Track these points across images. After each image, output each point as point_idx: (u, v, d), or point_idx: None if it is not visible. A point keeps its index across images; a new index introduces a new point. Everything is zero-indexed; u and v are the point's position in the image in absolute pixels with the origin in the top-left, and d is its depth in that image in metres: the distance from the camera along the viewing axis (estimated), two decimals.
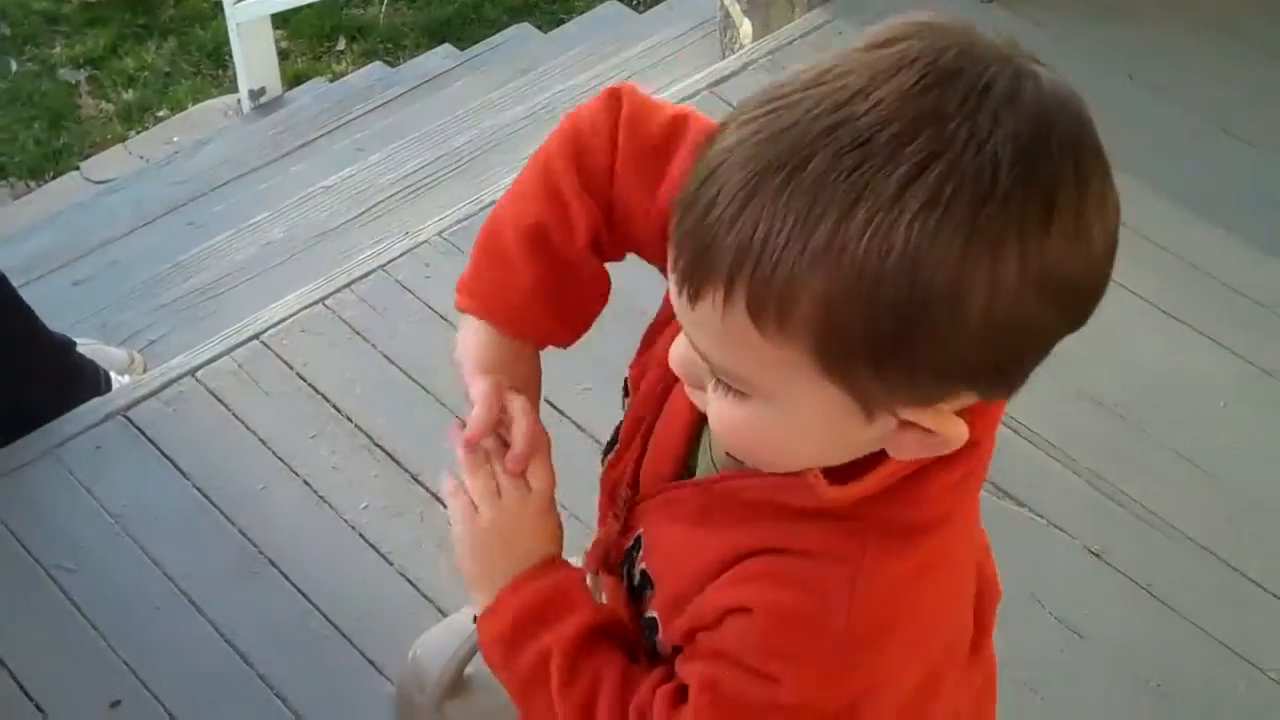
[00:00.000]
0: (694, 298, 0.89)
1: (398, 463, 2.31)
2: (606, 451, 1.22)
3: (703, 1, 3.57)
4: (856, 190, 0.83)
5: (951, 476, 1.00)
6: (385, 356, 2.47)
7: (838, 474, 0.98)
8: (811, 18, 3.08)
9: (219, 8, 4.58)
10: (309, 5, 4.70)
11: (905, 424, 0.92)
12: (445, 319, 2.47)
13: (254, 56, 4.41)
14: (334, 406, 2.39)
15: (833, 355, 0.87)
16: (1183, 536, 2.23)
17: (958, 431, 0.93)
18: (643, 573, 1.12)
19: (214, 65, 4.86)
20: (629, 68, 3.26)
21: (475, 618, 1.16)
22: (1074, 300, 0.90)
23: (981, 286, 0.84)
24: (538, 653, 1.11)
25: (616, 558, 1.17)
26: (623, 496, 1.16)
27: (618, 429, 1.21)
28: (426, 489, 2.26)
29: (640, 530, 1.14)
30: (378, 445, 2.33)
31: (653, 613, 1.11)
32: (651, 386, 1.16)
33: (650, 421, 1.15)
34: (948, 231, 0.83)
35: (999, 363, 0.90)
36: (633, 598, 1.15)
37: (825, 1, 3.07)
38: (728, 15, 3.20)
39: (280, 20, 4.74)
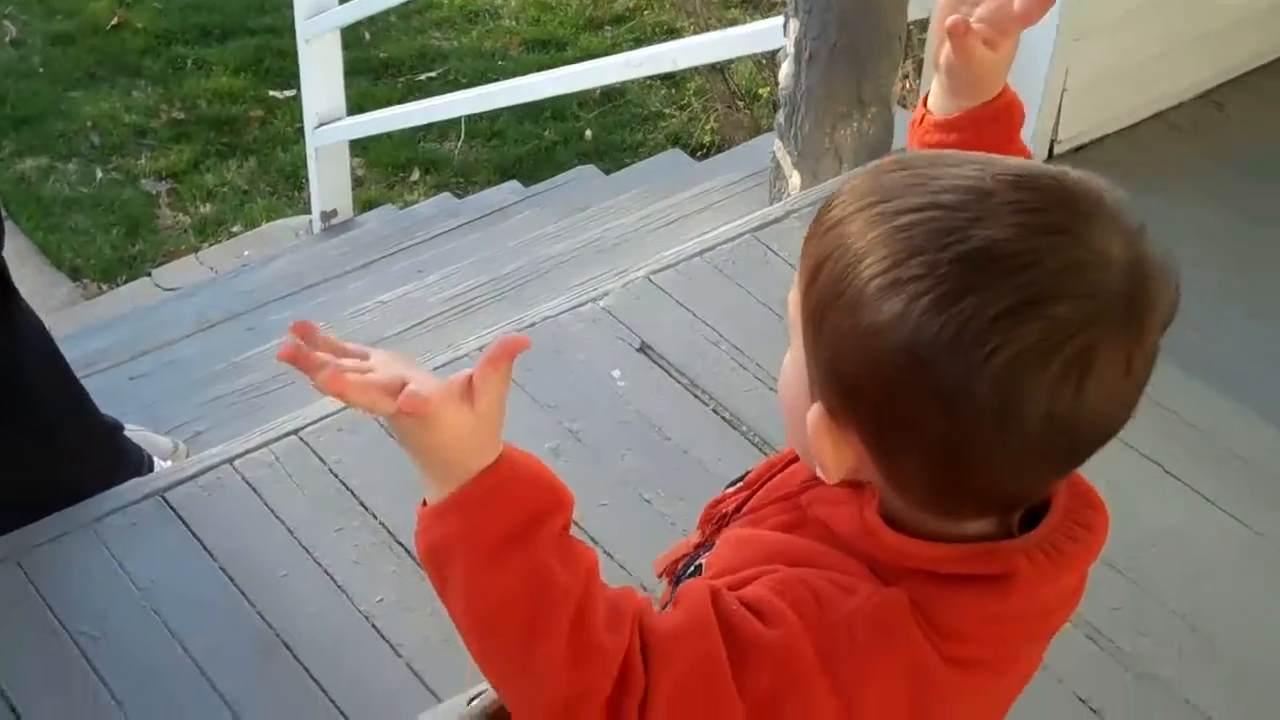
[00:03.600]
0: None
1: (415, 560, 2.38)
2: (731, 485, 1.33)
3: (758, 153, 3.70)
4: (920, 248, 0.98)
5: (985, 606, 1.05)
6: None
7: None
8: (858, 172, 3.17)
9: (301, 133, 4.76)
10: (388, 135, 4.88)
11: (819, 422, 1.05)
12: None
13: (329, 180, 4.58)
14: (361, 503, 2.47)
15: (807, 319, 1.04)
16: (1178, 697, 2.25)
17: (837, 458, 1.05)
18: (698, 566, 1.20)
19: (290, 187, 5.03)
20: (679, 210, 3.38)
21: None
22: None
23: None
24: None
25: (681, 564, 1.27)
26: (723, 514, 1.27)
27: (748, 471, 1.32)
28: None
29: (718, 540, 1.22)
30: (399, 542, 2.40)
31: None
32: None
33: (779, 469, 1.26)
34: (929, 297, 0.96)
35: (880, 402, 1.00)
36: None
37: (873, 158, 3.18)
38: (779, 166, 3.31)
39: (359, 148, 4.92)
